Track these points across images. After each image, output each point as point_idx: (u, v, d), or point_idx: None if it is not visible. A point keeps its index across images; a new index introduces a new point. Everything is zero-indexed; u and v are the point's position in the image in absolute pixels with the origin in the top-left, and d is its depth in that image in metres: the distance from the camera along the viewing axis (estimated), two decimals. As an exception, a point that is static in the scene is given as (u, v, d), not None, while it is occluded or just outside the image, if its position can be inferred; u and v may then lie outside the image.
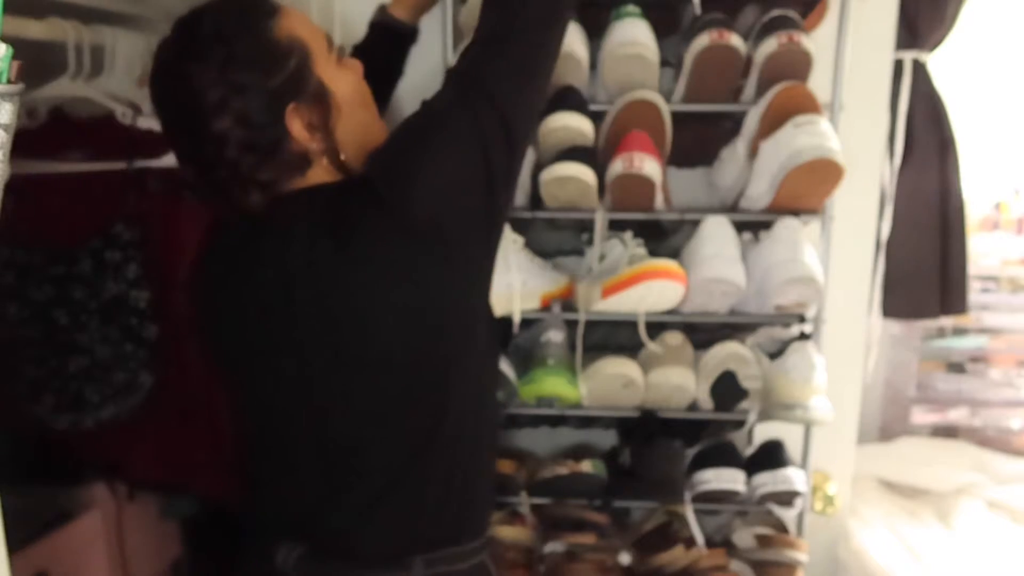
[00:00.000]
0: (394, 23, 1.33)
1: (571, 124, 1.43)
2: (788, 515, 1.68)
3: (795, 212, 1.49)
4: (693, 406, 1.57)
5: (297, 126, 0.82)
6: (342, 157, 0.87)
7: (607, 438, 1.85)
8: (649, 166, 1.42)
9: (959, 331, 2.50)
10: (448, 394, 0.86)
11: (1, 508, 0.80)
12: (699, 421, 1.66)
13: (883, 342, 2.35)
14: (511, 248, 1.48)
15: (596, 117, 1.50)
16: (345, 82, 0.86)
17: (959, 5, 1.85)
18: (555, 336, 1.53)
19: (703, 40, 1.43)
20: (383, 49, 1.33)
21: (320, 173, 0.87)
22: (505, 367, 1.51)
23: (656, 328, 1.55)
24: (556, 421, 1.78)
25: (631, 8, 1.47)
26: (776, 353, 1.57)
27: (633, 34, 1.45)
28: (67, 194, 1.32)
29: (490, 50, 0.86)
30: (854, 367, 1.88)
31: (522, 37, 0.85)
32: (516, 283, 1.46)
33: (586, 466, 1.64)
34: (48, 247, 1.34)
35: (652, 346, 1.53)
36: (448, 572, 0.89)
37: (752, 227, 1.58)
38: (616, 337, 1.65)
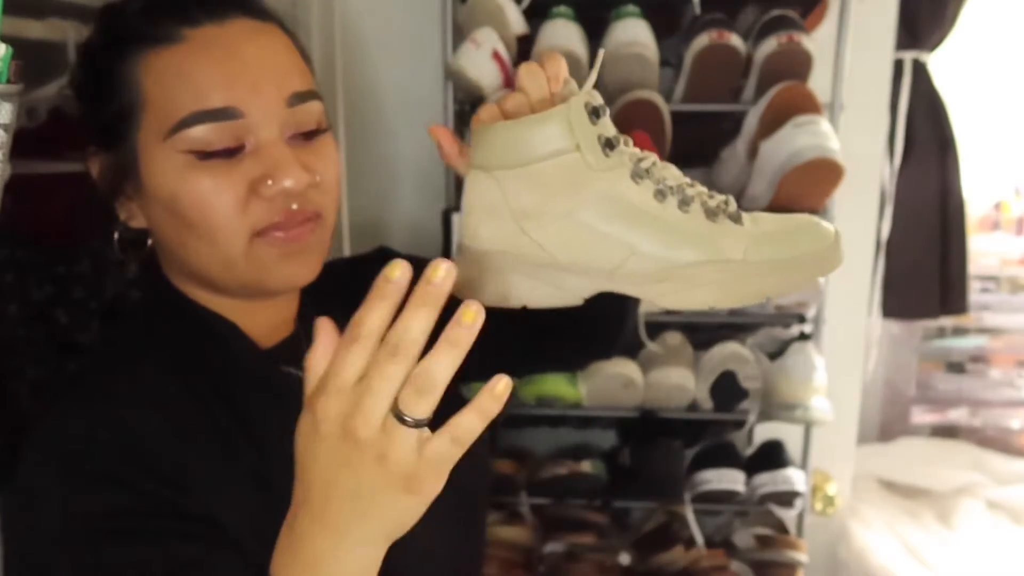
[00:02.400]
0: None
1: (571, 124, 1.43)
2: (788, 515, 1.68)
3: (795, 212, 1.49)
4: (693, 406, 1.57)
5: (95, 169, 0.67)
6: (148, 241, 0.67)
7: (607, 438, 1.85)
8: (649, 166, 1.42)
9: (959, 331, 2.50)
10: None
11: (1, 508, 0.80)
12: (699, 421, 1.66)
13: (883, 342, 2.35)
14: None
15: (596, 117, 1.49)
16: (165, 178, 0.59)
17: (959, 5, 1.85)
18: (555, 336, 1.53)
19: (703, 40, 1.43)
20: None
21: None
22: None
23: (656, 328, 1.55)
24: (556, 421, 1.78)
25: (631, 8, 1.47)
26: (776, 353, 1.57)
27: (633, 34, 1.45)
28: (67, 194, 1.32)
29: None
30: (854, 367, 1.88)
31: None
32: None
33: (586, 466, 1.64)
34: (48, 247, 1.34)
35: (652, 346, 1.53)
36: None
37: (752, 227, 1.58)
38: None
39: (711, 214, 0.55)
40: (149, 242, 0.66)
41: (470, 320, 0.42)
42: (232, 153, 0.58)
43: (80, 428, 0.57)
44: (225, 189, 0.58)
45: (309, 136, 0.62)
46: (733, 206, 0.56)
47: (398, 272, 0.42)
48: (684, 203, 0.54)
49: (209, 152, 0.58)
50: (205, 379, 0.63)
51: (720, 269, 0.54)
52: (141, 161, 0.60)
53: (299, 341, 0.70)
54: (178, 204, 0.59)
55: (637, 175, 0.54)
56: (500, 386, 0.43)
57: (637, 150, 0.56)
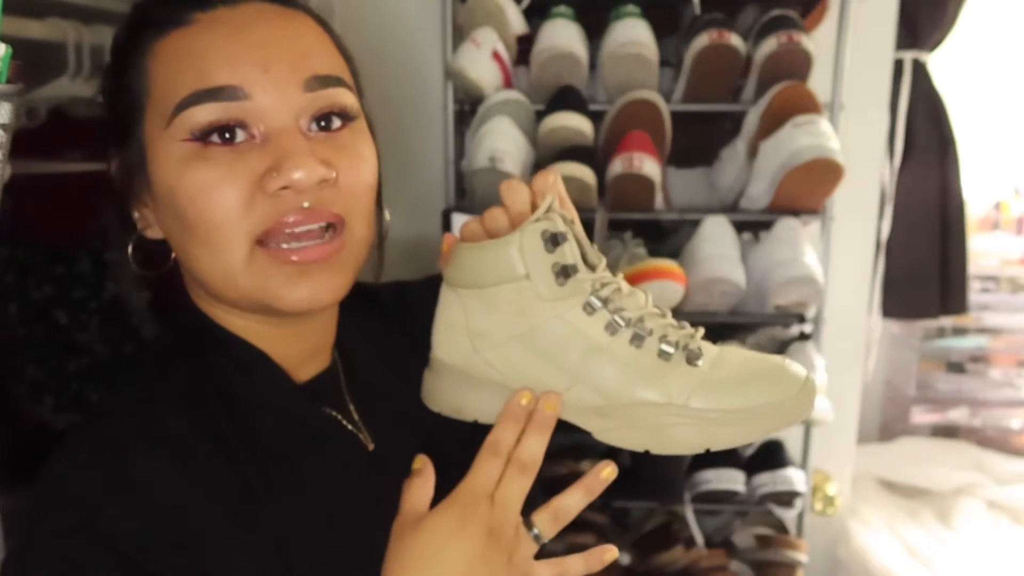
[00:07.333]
0: None
1: (570, 124, 1.43)
2: (788, 515, 1.68)
3: (795, 212, 1.49)
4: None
5: (115, 165, 0.59)
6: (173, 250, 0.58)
7: (607, 438, 1.85)
8: (649, 166, 1.42)
9: (959, 331, 2.50)
10: None
11: (1, 508, 0.80)
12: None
13: (883, 342, 2.35)
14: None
15: (596, 117, 1.50)
16: (166, 171, 0.52)
17: (959, 5, 1.85)
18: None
19: (703, 40, 1.43)
20: None
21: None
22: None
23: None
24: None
25: (631, 8, 1.47)
26: (776, 353, 1.57)
27: (633, 34, 1.45)
28: (67, 194, 1.32)
29: None
30: (854, 367, 1.88)
31: None
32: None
33: (586, 466, 1.63)
34: (48, 247, 1.34)
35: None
36: None
37: (752, 227, 1.58)
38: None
39: (664, 354, 0.52)
40: (173, 256, 0.58)
41: (607, 475, 0.56)
42: (233, 139, 0.51)
43: (87, 493, 0.49)
44: (226, 182, 0.50)
45: (333, 127, 0.55)
46: (697, 344, 0.53)
47: (527, 400, 0.54)
48: (637, 338, 0.53)
49: (206, 134, 0.51)
50: (230, 424, 0.54)
51: (660, 413, 0.52)
52: (148, 156, 0.54)
53: (337, 375, 0.63)
54: (176, 200, 0.52)
55: (591, 306, 0.53)
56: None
57: (604, 274, 0.55)
